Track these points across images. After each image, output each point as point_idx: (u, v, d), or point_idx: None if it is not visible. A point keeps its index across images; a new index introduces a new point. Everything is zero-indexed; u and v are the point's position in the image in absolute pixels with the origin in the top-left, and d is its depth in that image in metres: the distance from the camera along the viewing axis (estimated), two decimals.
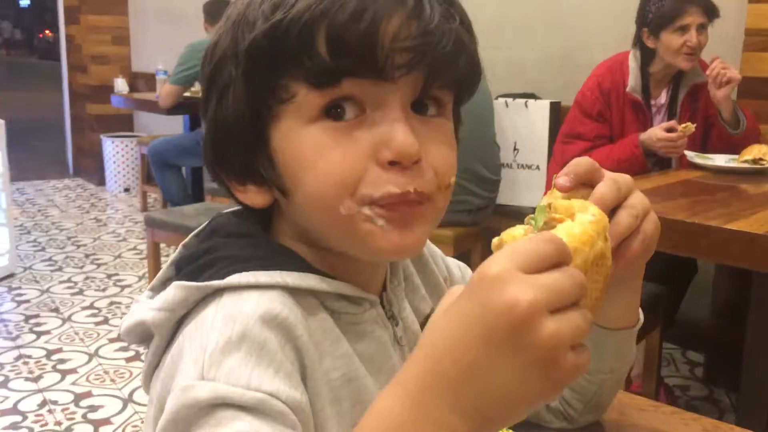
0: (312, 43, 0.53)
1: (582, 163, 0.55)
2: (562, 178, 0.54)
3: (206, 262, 0.58)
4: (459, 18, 0.58)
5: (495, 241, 0.48)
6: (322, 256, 0.61)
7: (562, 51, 3.29)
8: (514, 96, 3.20)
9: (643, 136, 2.35)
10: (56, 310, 3.22)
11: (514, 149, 3.17)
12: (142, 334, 0.59)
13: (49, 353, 2.78)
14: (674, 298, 2.37)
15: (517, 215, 1.10)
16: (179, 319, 0.56)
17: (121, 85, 5.15)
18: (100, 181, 5.77)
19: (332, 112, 0.55)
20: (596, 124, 2.48)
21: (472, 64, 0.59)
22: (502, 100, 3.17)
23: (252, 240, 0.61)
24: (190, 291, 0.55)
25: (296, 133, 0.56)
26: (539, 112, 3.11)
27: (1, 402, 2.39)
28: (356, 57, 0.53)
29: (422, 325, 0.67)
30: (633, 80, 2.45)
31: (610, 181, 0.55)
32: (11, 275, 3.60)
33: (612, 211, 0.55)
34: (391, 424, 0.42)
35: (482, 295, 0.41)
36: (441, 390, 0.41)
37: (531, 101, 3.13)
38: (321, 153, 0.55)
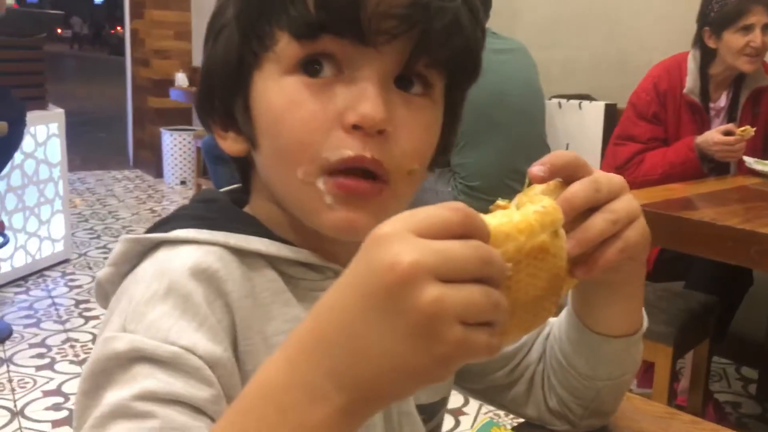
0: None
1: (562, 155, 0.51)
2: (536, 167, 0.50)
3: (162, 221, 0.59)
4: (463, 0, 0.55)
5: None
6: (290, 219, 0.60)
7: (619, 52, 3.20)
8: (568, 97, 3.13)
9: (699, 139, 2.26)
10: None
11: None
12: (103, 294, 0.59)
13: (96, 338, 2.84)
14: (727, 309, 2.27)
15: None
16: (126, 274, 0.56)
17: (181, 79, 5.26)
18: (158, 173, 5.89)
19: (309, 67, 0.54)
20: (650, 125, 2.40)
21: (467, 48, 0.56)
22: (555, 100, 3.10)
23: (212, 204, 0.61)
24: (130, 244, 0.56)
25: (272, 83, 0.55)
26: (593, 113, 3.02)
27: (46, 383, 2.45)
28: (339, 14, 0.52)
29: None
30: (691, 82, 2.36)
31: (589, 181, 0.51)
32: (66, 261, 3.70)
33: (589, 214, 0.50)
34: (266, 389, 0.40)
35: (367, 253, 0.38)
36: (316, 352, 0.39)
37: (585, 102, 3.06)
38: (290, 106, 0.54)
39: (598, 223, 0.50)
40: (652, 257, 2.19)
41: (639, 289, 0.62)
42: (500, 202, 0.47)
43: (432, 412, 0.69)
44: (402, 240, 0.37)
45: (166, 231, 0.56)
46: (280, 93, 0.55)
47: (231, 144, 0.60)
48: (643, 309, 0.66)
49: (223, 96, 0.59)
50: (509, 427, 0.53)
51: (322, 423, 0.38)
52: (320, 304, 0.40)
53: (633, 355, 0.67)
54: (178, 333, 0.50)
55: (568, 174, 0.51)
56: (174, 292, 0.52)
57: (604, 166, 2.66)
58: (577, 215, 0.50)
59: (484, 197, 2.61)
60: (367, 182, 0.54)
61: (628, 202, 0.52)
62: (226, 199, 0.63)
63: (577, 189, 0.50)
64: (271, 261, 0.58)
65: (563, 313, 0.69)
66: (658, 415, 0.74)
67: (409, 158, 0.55)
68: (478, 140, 2.63)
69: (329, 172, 0.54)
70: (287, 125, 0.54)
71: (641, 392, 2.11)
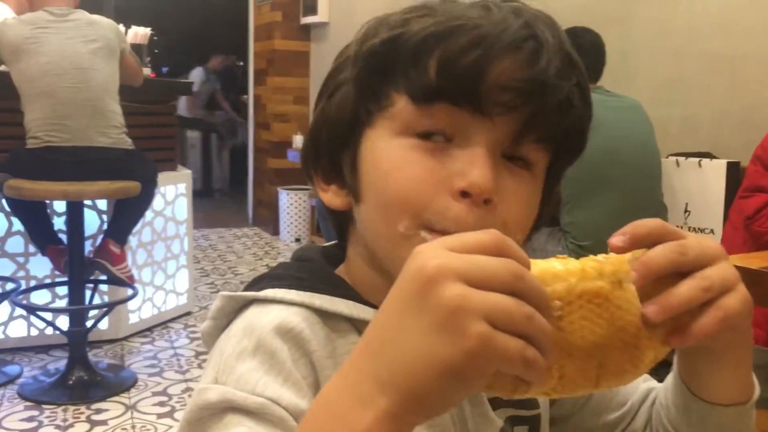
0: (424, 59, 0.55)
1: (644, 223, 0.49)
2: (616, 237, 0.48)
3: (258, 278, 0.63)
4: (577, 80, 0.57)
5: None
6: (379, 281, 0.61)
7: (743, 108, 3.08)
8: (687, 155, 3.02)
9: None
10: None
11: (685, 211, 2.98)
12: (206, 344, 0.64)
13: None
14: None
15: None
16: (224, 327, 0.60)
17: (299, 141, 5.50)
18: (275, 231, 6.12)
19: (422, 132, 0.57)
20: None
21: (576, 127, 0.58)
22: (672, 158, 3.01)
23: (304, 264, 0.64)
24: (226, 300, 0.60)
25: (383, 142, 0.58)
26: (715, 172, 2.90)
27: (165, 431, 2.56)
28: (461, 83, 0.54)
29: None
30: None
31: (674, 244, 0.48)
32: (188, 313, 3.89)
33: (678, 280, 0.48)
34: (321, 402, 0.43)
35: (404, 267, 0.41)
36: (362, 359, 0.41)
37: (705, 160, 2.94)
38: (399, 166, 0.56)
39: (685, 289, 0.47)
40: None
41: (746, 356, 0.59)
42: (559, 256, 0.47)
43: None
44: (433, 250, 0.40)
45: (259, 289, 0.60)
46: (391, 151, 0.57)
47: (332, 197, 0.63)
48: (754, 376, 0.63)
49: (332, 150, 0.61)
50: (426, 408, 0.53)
51: (370, 426, 0.40)
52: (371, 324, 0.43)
53: (745, 424, 0.63)
54: (265, 386, 0.53)
55: (652, 243, 0.49)
56: (261, 349, 0.55)
57: (729, 227, 2.54)
58: (661, 280, 0.47)
59: None
60: None
61: (724, 269, 0.49)
62: (320, 259, 0.66)
63: (658, 252, 0.47)
64: (355, 323, 0.60)
65: (668, 379, 0.66)
66: None
67: (511, 231, 0.55)
68: (589, 198, 2.59)
69: (433, 232, 0.55)
70: (395, 182, 0.56)
71: None
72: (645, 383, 0.73)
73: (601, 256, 0.45)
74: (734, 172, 2.85)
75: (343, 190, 0.62)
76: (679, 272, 0.48)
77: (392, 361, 0.40)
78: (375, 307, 0.60)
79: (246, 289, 0.62)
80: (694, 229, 2.95)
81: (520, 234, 0.58)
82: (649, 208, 2.69)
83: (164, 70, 8.42)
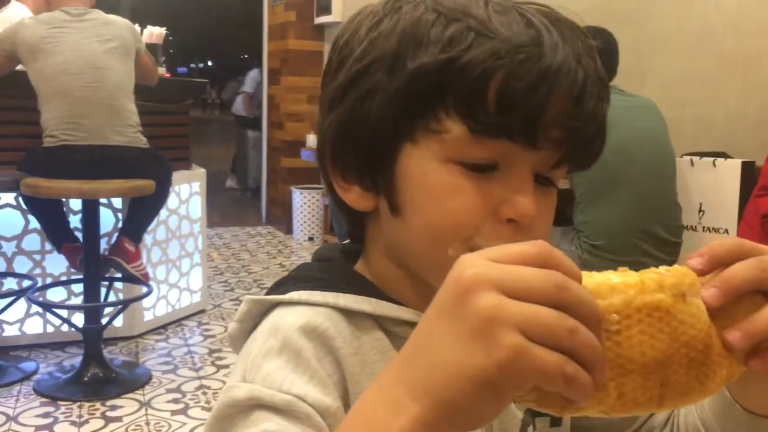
0: (484, 91, 0.54)
1: (723, 243, 0.47)
2: (695, 259, 0.46)
3: (281, 281, 0.64)
4: (606, 98, 0.59)
5: None
6: (404, 274, 0.63)
7: (759, 108, 3.06)
8: (702, 155, 3.01)
9: None
10: None
11: (699, 210, 2.96)
12: (233, 345, 0.65)
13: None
14: None
15: None
16: (250, 330, 0.61)
17: (312, 140, 5.50)
18: (288, 230, 6.14)
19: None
20: None
21: (601, 146, 0.60)
22: (686, 158, 2.99)
23: (326, 264, 0.65)
24: (252, 304, 0.62)
25: (432, 165, 0.57)
26: (729, 171, 2.89)
27: (180, 427, 2.58)
28: (521, 121, 0.55)
29: None
30: None
31: (755, 260, 0.46)
32: (202, 311, 3.91)
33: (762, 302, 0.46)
34: (357, 410, 0.43)
35: (447, 276, 0.41)
36: (398, 366, 0.42)
37: (720, 160, 2.93)
38: (451, 194, 0.57)
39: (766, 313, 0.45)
40: None
41: None
42: (621, 269, 0.45)
43: None
44: (473, 259, 0.40)
45: (284, 292, 0.61)
46: (441, 179, 0.57)
47: (357, 198, 0.62)
48: None
49: (364, 155, 0.60)
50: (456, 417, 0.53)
51: None
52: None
53: None
54: (291, 384, 0.54)
55: (731, 261, 0.46)
56: (287, 348, 0.56)
57: (744, 227, 2.53)
58: (743, 300, 0.45)
59: (609, 257, 2.54)
60: None
61: None
62: (340, 257, 0.67)
63: (738, 268, 0.45)
64: (378, 320, 0.61)
65: None
66: None
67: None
68: (603, 197, 2.58)
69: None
70: (447, 209, 0.57)
71: None
72: None
73: (662, 268, 0.43)
74: (749, 171, 2.84)
75: (369, 193, 0.62)
76: (761, 290, 0.46)
77: (426, 368, 0.40)
78: (397, 302, 0.62)
79: (270, 291, 0.63)
80: (709, 229, 2.94)
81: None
82: (663, 208, 2.68)
83: (180, 70, 8.47)
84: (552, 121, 0.55)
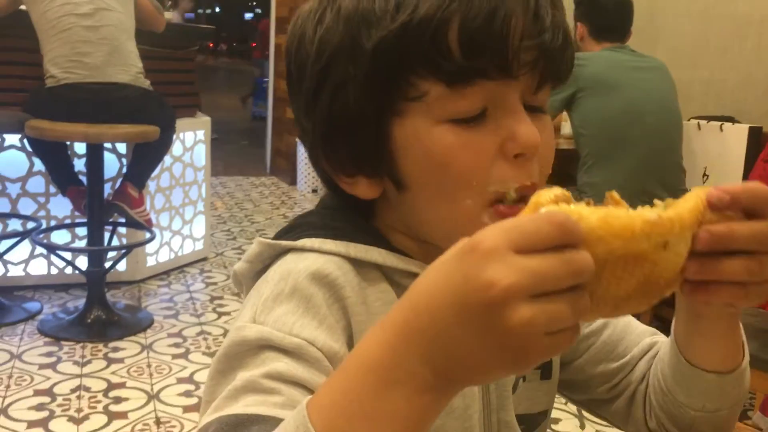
0: (445, 43, 0.54)
1: (755, 188, 0.46)
2: (718, 195, 0.45)
3: (291, 226, 0.64)
4: (560, 6, 0.59)
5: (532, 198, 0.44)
6: (418, 245, 0.63)
7: (767, 74, 3.03)
8: (709, 118, 2.99)
9: None
10: (238, 294, 3.46)
11: (704, 175, 2.96)
12: (237, 283, 0.67)
13: (227, 332, 3.00)
14: None
15: None
16: (259, 271, 0.62)
17: None
18: (292, 181, 6.15)
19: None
20: None
21: (573, 54, 0.60)
22: (693, 121, 2.97)
23: (337, 212, 0.65)
24: (264, 247, 0.63)
25: (426, 133, 0.57)
26: (736, 136, 2.87)
27: (180, 371, 2.63)
28: (489, 57, 0.55)
29: None
30: None
31: (759, 227, 0.45)
32: (204, 259, 3.94)
33: None
34: (370, 365, 0.43)
35: (467, 265, 0.39)
36: (416, 343, 0.41)
37: (727, 124, 2.91)
38: (453, 154, 0.57)
39: (734, 267, 0.46)
40: None
41: (734, 326, 0.61)
42: (615, 194, 0.45)
43: (532, 424, 0.70)
44: (501, 260, 0.38)
45: (296, 237, 0.62)
46: (439, 143, 0.57)
47: (364, 188, 0.62)
48: (745, 346, 0.64)
49: (357, 144, 0.60)
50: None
51: (412, 392, 0.41)
52: (417, 296, 0.42)
53: (728, 392, 0.65)
54: (301, 328, 0.56)
55: (755, 209, 0.46)
56: (298, 293, 0.58)
57: None
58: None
59: None
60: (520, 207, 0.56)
61: None
62: (352, 209, 0.65)
63: (742, 231, 0.45)
64: (386, 272, 0.62)
65: (670, 336, 0.68)
66: None
67: (546, 167, 0.60)
68: (608, 159, 2.57)
69: (492, 204, 0.57)
70: (455, 171, 0.57)
71: None
72: (650, 337, 0.75)
73: (655, 214, 0.42)
74: (756, 137, 2.82)
75: (373, 179, 0.62)
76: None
77: (449, 359, 0.41)
78: (404, 254, 0.62)
79: (280, 236, 0.64)
80: None
81: (551, 165, 0.61)
82: (668, 172, 2.67)
83: (188, 16, 8.36)
84: (519, 45, 0.55)
